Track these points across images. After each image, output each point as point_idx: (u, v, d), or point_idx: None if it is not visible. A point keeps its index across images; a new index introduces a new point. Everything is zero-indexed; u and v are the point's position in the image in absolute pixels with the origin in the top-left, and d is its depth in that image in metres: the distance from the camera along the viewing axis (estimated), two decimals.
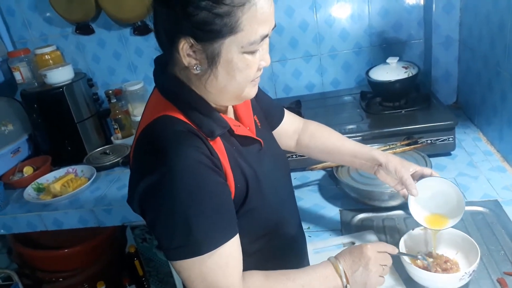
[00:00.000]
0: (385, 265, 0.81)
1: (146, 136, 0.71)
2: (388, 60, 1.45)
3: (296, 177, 1.41)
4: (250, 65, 0.69)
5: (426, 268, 0.88)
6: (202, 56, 0.68)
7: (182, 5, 0.63)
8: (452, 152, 1.35)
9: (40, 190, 1.65)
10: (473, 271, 0.83)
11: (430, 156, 1.21)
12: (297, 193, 1.31)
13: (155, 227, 0.69)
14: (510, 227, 1.01)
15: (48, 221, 1.55)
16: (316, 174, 1.39)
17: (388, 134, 1.33)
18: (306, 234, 1.13)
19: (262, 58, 0.71)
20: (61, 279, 1.80)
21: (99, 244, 1.81)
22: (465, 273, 0.82)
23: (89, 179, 1.64)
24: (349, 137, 1.32)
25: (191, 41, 0.66)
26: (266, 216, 0.80)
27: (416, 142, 1.28)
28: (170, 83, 0.74)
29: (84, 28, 1.85)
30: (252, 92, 0.75)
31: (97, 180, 1.67)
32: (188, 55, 0.68)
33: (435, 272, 0.88)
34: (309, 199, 1.29)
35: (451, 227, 0.92)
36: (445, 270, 0.89)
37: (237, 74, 0.69)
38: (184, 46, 0.67)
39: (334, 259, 0.79)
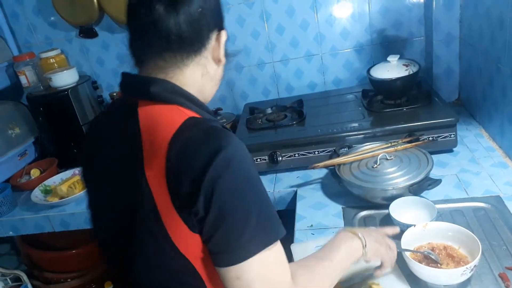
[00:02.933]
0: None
1: (188, 133, 0.67)
2: (388, 58, 1.45)
3: (299, 176, 1.42)
4: None
5: (431, 263, 0.90)
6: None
7: (216, 1, 0.75)
8: (454, 149, 1.36)
9: (47, 192, 1.68)
10: (475, 266, 0.84)
11: (432, 153, 1.21)
12: (300, 191, 1.34)
13: (224, 220, 0.63)
14: None
15: (55, 222, 1.58)
16: (319, 173, 1.40)
17: (390, 131, 1.33)
18: (309, 232, 1.14)
19: None
20: (69, 280, 1.82)
21: None
22: (467, 268, 0.83)
23: None
24: (351, 135, 1.36)
25: (223, 33, 0.76)
26: None
27: (417, 139, 1.29)
28: (179, 89, 0.73)
29: (87, 32, 1.87)
30: None
31: None
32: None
33: (446, 263, 0.90)
34: (312, 197, 1.30)
35: (452, 222, 0.96)
36: (451, 257, 0.91)
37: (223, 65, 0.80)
38: (223, 38, 0.76)
39: (348, 227, 0.86)
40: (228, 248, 0.64)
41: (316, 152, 1.39)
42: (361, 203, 1.19)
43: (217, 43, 0.75)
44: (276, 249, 0.66)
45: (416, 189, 1.10)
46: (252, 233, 0.63)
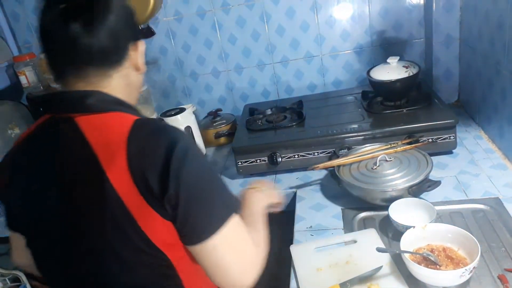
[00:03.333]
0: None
1: (143, 132, 0.73)
2: (388, 60, 1.45)
3: (298, 177, 1.43)
4: None
5: (430, 265, 0.90)
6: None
7: (130, 15, 0.80)
8: (453, 151, 1.36)
9: None
10: (474, 267, 0.84)
11: (431, 154, 1.22)
12: (299, 192, 1.34)
13: (195, 202, 0.72)
14: (511, 224, 1.01)
15: None
16: (318, 174, 1.40)
17: (390, 133, 1.34)
18: (309, 233, 1.15)
19: None
20: None
21: None
22: (466, 269, 0.83)
23: None
24: (351, 137, 1.36)
25: (140, 43, 0.82)
26: None
27: (417, 141, 1.29)
28: (113, 98, 0.78)
29: None
30: None
31: None
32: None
33: (445, 265, 0.90)
34: (311, 198, 1.30)
35: (451, 224, 0.96)
36: (450, 258, 0.91)
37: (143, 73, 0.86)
38: (140, 48, 0.82)
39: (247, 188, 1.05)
40: (204, 224, 0.73)
41: (316, 153, 1.39)
42: (361, 205, 1.19)
43: (136, 53, 0.81)
44: (237, 216, 0.78)
45: (415, 191, 1.10)
46: (220, 206, 0.75)
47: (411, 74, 1.41)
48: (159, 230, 0.72)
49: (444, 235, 0.96)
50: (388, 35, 1.71)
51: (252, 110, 1.70)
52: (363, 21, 1.70)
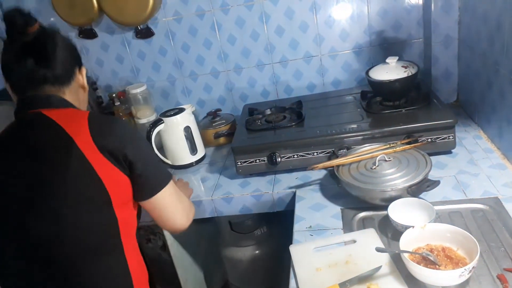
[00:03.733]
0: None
1: (99, 117, 1.04)
2: (387, 60, 1.46)
3: (298, 177, 1.43)
4: None
5: (429, 265, 0.90)
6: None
7: (73, 47, 1.09)
8: (452, 151, 1.36)
9: None
10: (473, 267, 0.84)
11: (430, 154, 1.22)
12: (299, 192, 1.34)
13: (148, 167, 1.02)
14: (511, 224, 1.01)
15: None
16: (318, 174, 1.41)
17: (389, 133, 1.34)
18: (308, 233, 1.15)
19: None
20: None
21: None
22: (465, 269, 0.83)
23: None
24: (350, 137, 1.36)
25: (83, 68, 1.11)
26: None
27: (416, 141, 1.29)
28: (69, 101, 1.05)
29: (87, 32, 1.87)
30: None
31: None
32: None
33: (444, 265, 0.90)
34: (310, 198, 1.30)
35: (450, 224, 0.96)
36: (449, 258, 0.91)
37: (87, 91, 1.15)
38: (84, 72, 1.10)
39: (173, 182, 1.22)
40: (158, 179, 1.07)
41: (315, 153, 1.39)
42: (360, 205, 1.19)
43: (80, 75, 1.09)
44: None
45: (414, 191, 1.10)
46: (164, 169, 1.11)
47: (410, 74, 1.41)
48: (117, 185, 0.95)
49: (443, 235, 0.96)
50: (387, 35, 1.71)
51: (252, 110, 1.70)
52: (362, 21, 1.70)
